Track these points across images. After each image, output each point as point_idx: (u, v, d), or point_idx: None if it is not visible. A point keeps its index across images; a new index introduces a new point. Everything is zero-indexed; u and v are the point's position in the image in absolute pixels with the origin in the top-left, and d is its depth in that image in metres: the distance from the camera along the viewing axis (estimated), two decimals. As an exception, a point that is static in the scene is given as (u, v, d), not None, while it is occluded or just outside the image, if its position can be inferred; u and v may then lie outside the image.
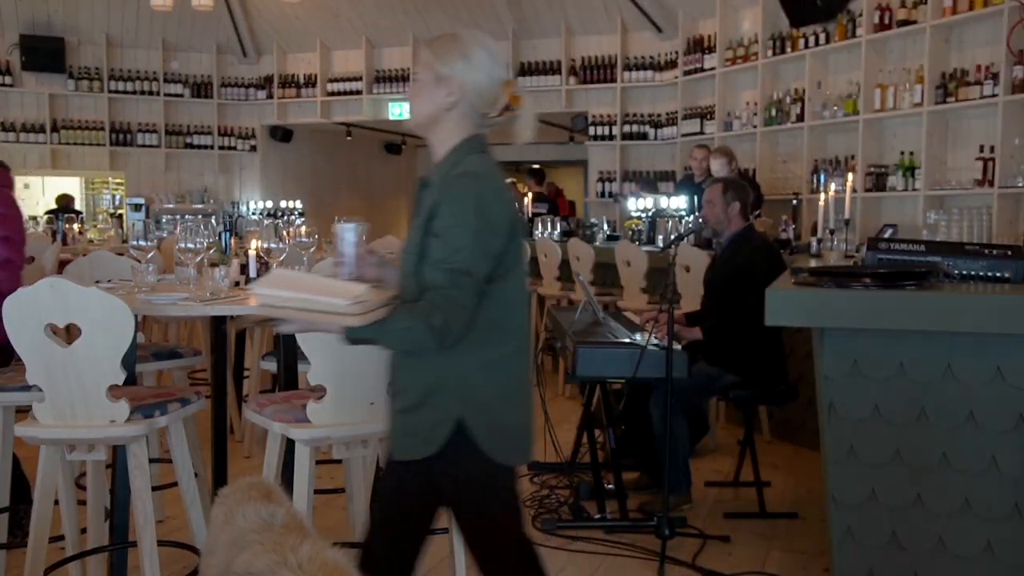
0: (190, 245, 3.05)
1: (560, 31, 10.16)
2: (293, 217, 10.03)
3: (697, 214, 5.62)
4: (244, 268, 3.32)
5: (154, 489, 3.10)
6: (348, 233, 2.09)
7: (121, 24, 10.98)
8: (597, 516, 3.83)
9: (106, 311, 2.45)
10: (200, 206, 11.26)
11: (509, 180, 11.60)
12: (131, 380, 2.87)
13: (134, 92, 11.24)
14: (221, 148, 11.81)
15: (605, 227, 7.79)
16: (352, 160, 13.87)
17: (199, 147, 11.72)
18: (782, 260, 4.17)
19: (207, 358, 4.37)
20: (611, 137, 10.07)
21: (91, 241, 7.92)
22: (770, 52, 8.10)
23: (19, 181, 10.95)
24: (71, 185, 11.17)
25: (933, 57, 6.55)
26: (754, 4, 8.32)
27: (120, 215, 10.77)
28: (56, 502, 2.69)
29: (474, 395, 1.98)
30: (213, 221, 5.99)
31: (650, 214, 7.08)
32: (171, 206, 11.17)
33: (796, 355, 4.65)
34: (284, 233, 3.38)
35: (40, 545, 2.57)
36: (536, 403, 5.07)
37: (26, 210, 10.54)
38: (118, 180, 11.51)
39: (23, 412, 2.70)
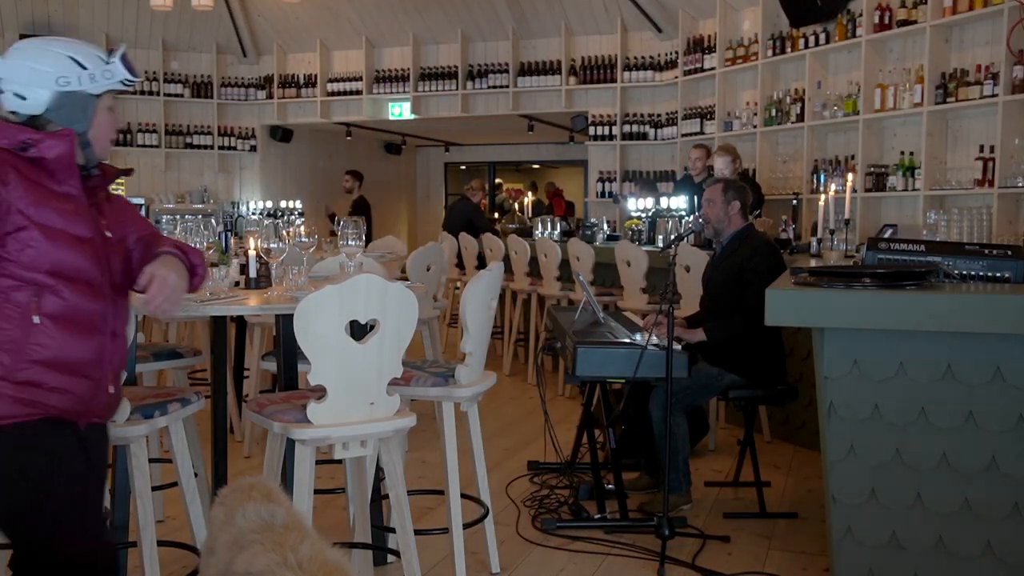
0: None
1: (560, 31, 10.16)
2: (293, 217, 10.03)
3: (697, 213, 5.62)
4: (244, 268, 3.32)
5: (154, 489, 3.10)
6: None
7: (121, 24, 10.98)
8: (597, 516, 3.83)
9: (106, 311, 2.45)
10: (200, 206, 11.26)
11: (497, 181, 11.67)
12: (131, 380, 2.87)
13: (134, 92, 11.24)
14: (221, 148, 11.81)
15: (605, 227, 7.79)
16: (352, 160, 13.87)
17: (199, 147, 11.72)
18: (782, 260, 4.17)
19: (207, 358, 4.37)
20: (611, 137, 10.07)
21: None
22: (770, 52, 8.10)
23: (19, 181, 10.98)
24: (71, 185, 11.16)
25: (933, 57, 6.55)
26: (754, 4, 8.32)
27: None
28: (56, 502, 2.68)
29: None
30: (213, 221, 5.99)
31: (650, 214, 7.08)
32: (171, 206, 11.17)
33: (796, 355, 4.65)
34: (284, 233, 3.37)
35: (40, 545, 2.56)
36: (537, 403, 5.08)
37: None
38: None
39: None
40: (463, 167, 16.40)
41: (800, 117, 7.80)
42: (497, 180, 15.27)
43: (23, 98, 2.04)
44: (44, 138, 2.00)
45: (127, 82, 2.10)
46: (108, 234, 2.14)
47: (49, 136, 2.01)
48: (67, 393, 1.99)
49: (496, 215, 12.40)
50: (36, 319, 1.95)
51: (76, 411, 2.02)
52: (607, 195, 10.07)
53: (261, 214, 10.41)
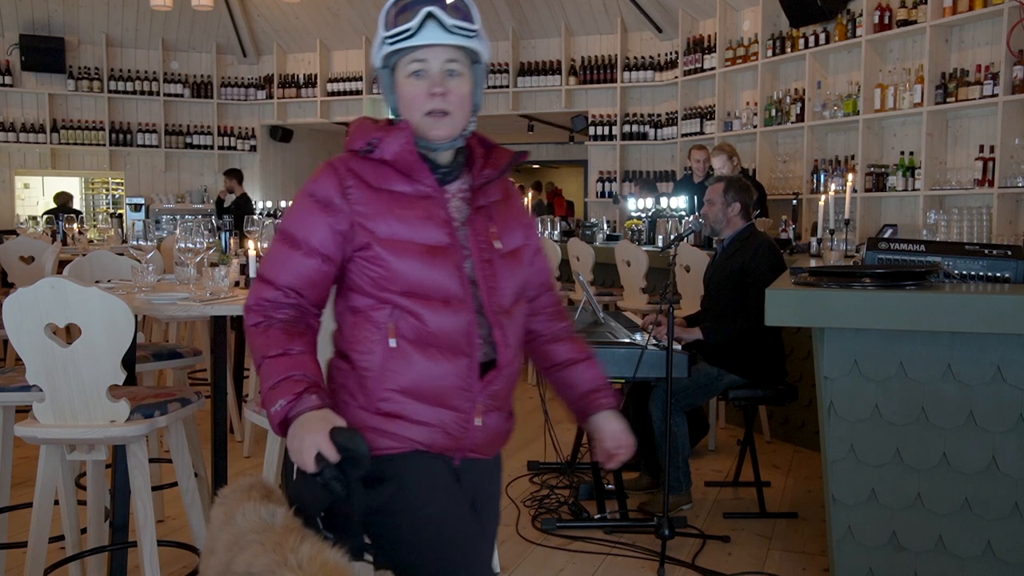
0: (190, 245, 3.05)
1: (560, 31, 10.16)
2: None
3: (698, 213, 5.62)
4: (244, 268, 3.32)
5: (154, 489, 3.10)
6: None
7: (121, 24, 10.98)
8: (597, 516, 3.83)
9: (106, 311, 2.45)
10: (200, 206, 11.28)
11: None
12: (131, 380, 2.87)
13: (134, 92, 11.25)
14: (221, 148, 11.82)
15: (605, 227, 7.79)
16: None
17: (199, 147, 11.73)
18: (783, 260, 4.17)
19: (207, 358, 4.37)
20: (611, 137, 10.07)
21: (91, 241, 7.92)
22: (770, 52, 8.10)
23: (19, 181, 11.00)
24: (71, 185, 11.18)
25: (933, 57, 6.55)
26: (754, 4, 8.32)
27: (120, 215, 10.78)
28: (56, 502, 2.69)
29: None
30: (213, 221, 5.99)
31: (650, 214, 7.08)
32: (171, 206, 11.18)
33: (796, 355, 4.65)
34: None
35: (40, 545, 2.57)
36: (537, 403, 5.06)
37: (26, 210, 10.61)
38: (118, 180, 11.52)
39: (23, 412, 2.70)
40: (463, 167, 16.38)
41: (800, 117, 7.80)
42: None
43: None
44: (384, 135, 1.70)
45: (391, 39, 1.66)
46: (497, 244, 1.76)
47: (389, 132, 1.70)
48: (430, 426, 1.70)
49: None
50: (392, 342, 1.68)
51: (444, 446, 1.73)
52: (607, 195, 10.07)
53: (261, 214, 10.41)
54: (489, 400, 1.74)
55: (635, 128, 9.98)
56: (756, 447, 4.05)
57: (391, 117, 1.78)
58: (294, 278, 1.69)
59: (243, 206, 10.15)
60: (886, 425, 2.68)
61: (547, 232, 7.87)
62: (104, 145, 11.09)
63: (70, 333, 2.63)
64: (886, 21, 6.94)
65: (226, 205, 10.31)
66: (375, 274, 1.67)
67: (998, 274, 2.86)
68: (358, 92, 11.25)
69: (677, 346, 3.60)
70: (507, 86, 10.43)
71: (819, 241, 4.53)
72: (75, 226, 7.97)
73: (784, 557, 3.50)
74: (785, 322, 2.79)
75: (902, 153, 6.95)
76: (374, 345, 1.69)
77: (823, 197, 4.57)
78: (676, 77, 9.43)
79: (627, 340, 3.68)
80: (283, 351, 1.65)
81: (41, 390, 2.49)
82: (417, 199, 1.69)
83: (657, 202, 7.21)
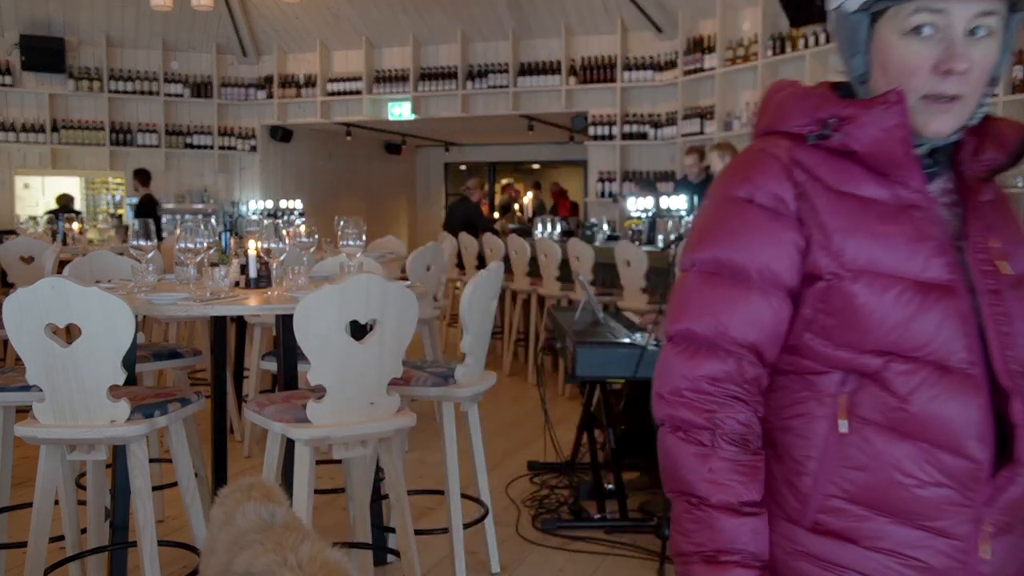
0: (190, 245, 3.05)
1: (560, 31, 10.16)
2: (293, 217, 10.04)
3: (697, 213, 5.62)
4: (244, 268, 3.32)
5: (154, 489, 3.10)
6: None
7: (121, 24, 10.99)
8: (597, 516, 3.83)
9: (106, 311, 2.45)
10: (200, 206, 11.28)
11: (506, 181, 11.79)
12: (131, 380, 2.87)
13: (134, 92, 11.25)
14: (221, 148, 11.82)
15: (605, 227, 7.79)
16: (352, 160, 13.88)
17: (199, 147, 11.73)
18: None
19: (207, 358, 4.37)
20: (611, 137, 10.07)
21: (91, 241, 7.92)
22: (770, 52, 8.11)
23: (19, 181, 11.01)
24: (71, 185, 11.19)
25: (933, 57, 6.55)
26: (754, 4, 8.33)
27: (120, 215, 10.79)
28: (56, 502, 2.69)
29: None
30: (213, 221, 5.99)
31: (650, 214, 7.09)
32: (171, 206, 11.18)
33: (796, 355, 4.65)
34: (284, 233, 3.37)
35: (40, 545, 2.57)
36: (537, 403, 5.06)
37: (26, 210, 10.62)
38: (118, 180, 11.52)
39: (23, 412, 2.70)
40: (463, 167, 16.41)
41: (800, 117, 7.80)
42: (507, 180, 15.28)
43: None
44: (855, 113, 1.15)
45: None
46: (1004, 267, 1.17)
47: (862, 108, 1.15)
48: (900, 557, 1.11)
49: (496, 215, 12.42)
50: (843, 425, 1.12)
51: None
52: (607, 195, 10.07)
53: (261, 214, 10.41)
54: (1001, 515, 1.11)
55: (635, 128, 9.98)
56: (756, 447, 4.05)
57: (831, 81, 1.26)
58: (753, 332, 1.13)
59: (146, 207, 9.80)
60: (886, 425, 2.68)
61: (547, 232, 7.88)
62: (104, 145, 11.10)
63: (70, 333, 2.63)
64: (886, 21, 6.95)
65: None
66: (830, 321, 1.13)
67: (998, 274, 2.86)
68: (358, 92, 11.25)
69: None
70: (507, 86, 10.43)
71: (819, 241, 4.53)
72: (75, 226, 7.98)
73: (784, 557, 3.50)
74: (785, 322, 2.79)
75: (902, 153, 6.95)
76: (814, 424, 1.14)
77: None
78: (676, 77, 9.44)
79: (627, 340, 3.68)
80: (738, 503, 1.11)
81: (41, 390, 2.49)
82: (899, 210, 1.14)
83: (657, 202, 7.22)
